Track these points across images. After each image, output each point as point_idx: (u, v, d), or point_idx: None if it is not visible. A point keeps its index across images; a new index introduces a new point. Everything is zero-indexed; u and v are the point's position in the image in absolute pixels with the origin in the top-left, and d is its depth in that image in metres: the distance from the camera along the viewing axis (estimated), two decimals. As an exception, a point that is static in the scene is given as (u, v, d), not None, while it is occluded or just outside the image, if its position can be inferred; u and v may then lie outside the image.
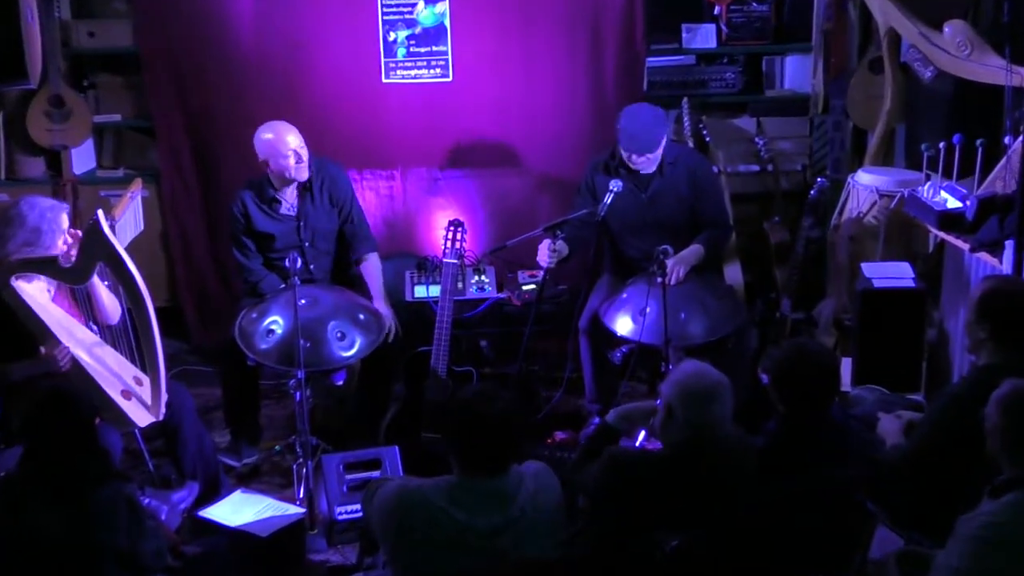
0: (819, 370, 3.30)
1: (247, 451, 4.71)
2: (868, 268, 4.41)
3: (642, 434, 3.78)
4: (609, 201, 4.56)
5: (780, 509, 3.18)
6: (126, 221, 4.82)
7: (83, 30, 5.70)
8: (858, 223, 4.86)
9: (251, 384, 4.69)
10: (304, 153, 4.65)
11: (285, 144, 4.61)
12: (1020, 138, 4.21)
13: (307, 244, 4.77)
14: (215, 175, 5.71)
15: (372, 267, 4.83)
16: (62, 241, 4.02)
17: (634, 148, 4.64)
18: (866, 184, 4.85)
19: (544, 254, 4.58)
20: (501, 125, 5.64)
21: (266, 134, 4.64)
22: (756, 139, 5.70)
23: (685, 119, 5.52)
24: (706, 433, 3.13)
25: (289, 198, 4.74)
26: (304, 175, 4.68)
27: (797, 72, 5.87)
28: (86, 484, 3.10)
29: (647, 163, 4.68)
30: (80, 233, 3.93)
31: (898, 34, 5.04)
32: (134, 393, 4.03)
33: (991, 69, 4.46)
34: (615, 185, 4.57)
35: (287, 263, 4.12)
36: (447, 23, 5.54)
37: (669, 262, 4.34)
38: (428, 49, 5.55)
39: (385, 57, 5.56)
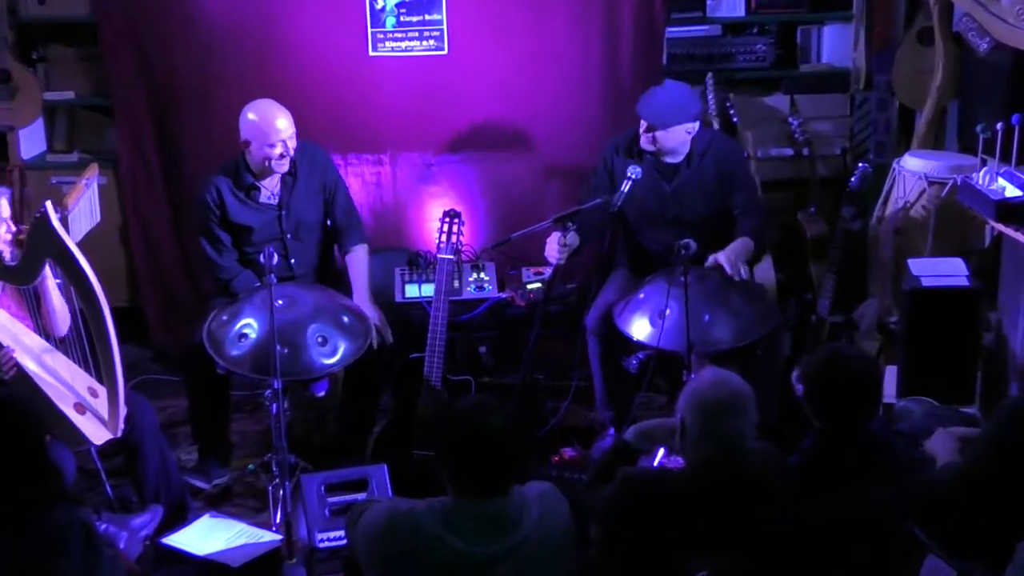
0: (858, 379, 3.29)
1: (217, 471, 4.71)
2: (916, 265, 4.40)
3: (661, 452, 3.77)
4: (626, 190, 4.55)
5: (816, 536, 3.17)
6: (80, 211, 4.81)
7: (33, -3, 5.70)
8: (905, 214, 4.85)
9: (221, 395, 4.68)
10: (292, 144, 4.65)
11: (275, 132, 4.60)
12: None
13: (289, 236, 4.77)
14: (181, 160, 5.71)
15: (358, 260, 4.83)
16: (5, 229, 4.01)
17: (645, 112, 4.66)
18: (914, 170, 4.84)
19: (553, 248, 4.57)
20: (503, 104, 5.64)
21: (253, 114, 4.63)
22: (790, 119, 5.69)
23: (710, 97, 5.52)
24: (728, 449, 3.12)
25: (270, 185, 4.74)
26: (285, 168, 4.69)
27: (836, 44, 5.86)
28: (36, 508, 3.09)
29: (649, 142, 4.67)
30: (23, 227, 3.92)
31: (950, 1, 5.02)
32: (89, 407, 4.02)
33: (1055, 40, 4.45)
34: (633, 172, 4.57)
35: (262, 259, 4.11)
36: (442, -11, 5.54)
37: (721, 258, 4.35)
38: (421, 18, 5.55)
39: (372, 27, 5.55)
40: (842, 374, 3.30)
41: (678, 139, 4.69)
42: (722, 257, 4.53)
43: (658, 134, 4.65)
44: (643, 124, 4.69)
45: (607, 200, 4.62)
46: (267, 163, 4.64)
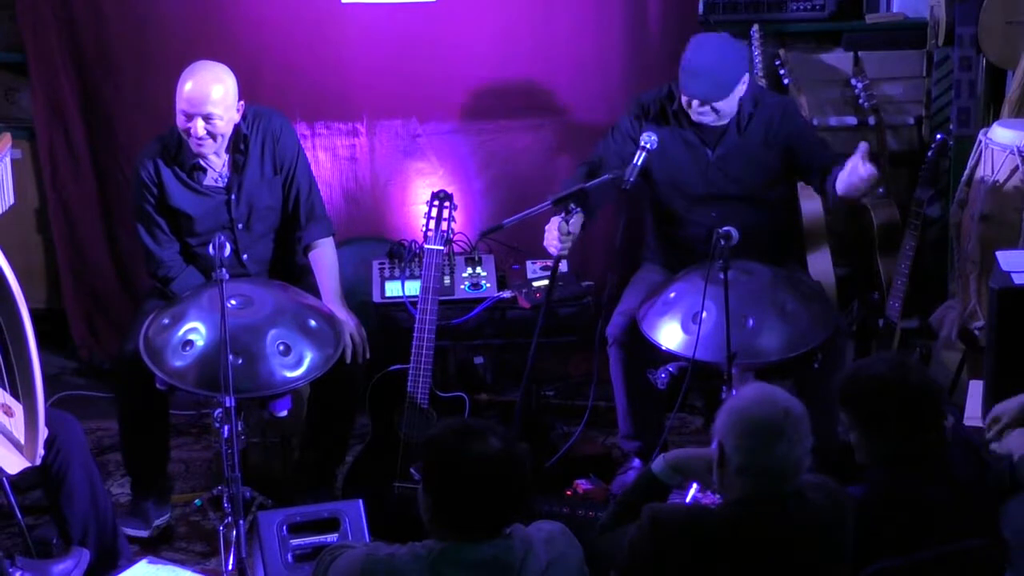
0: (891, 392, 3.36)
1: (156, 512, 4.73)
2: (1006, 258, 4.41)
3: (694, 487, 3.79)
4: (639, 163, 4.56)
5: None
6: (-11, 192, 4.84)
7: (-70, -69, 5.72)
8: (993, 196, 4.86)
9: (159, 416, 4.71)
10: (218, 125, 4.57)
11: (183, 100, 4.54)
12: None
13: (240, 226, 4.79)
14: (112, 130, 5.72)
15: (325, 257, 4.85)
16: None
17: (695, 90, 4.65)
18: (1004, 143, 4.86)
19: (553, 236, 4.58)
20: (504, 60, 5.66)
21: (186, 70, 4.60)
22: (853, 81, 5.71)
23: (755, 54, 5.53)
24: (776, 482, 3.14)
25: (216, 165, 4.75)
26: (205, 152, 4.67)
27: (910, -11, 5.89)
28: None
29: (708, 114, 4.69)
30: None
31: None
32: (2, 429, 4.04)
33: None
34: (648, 140, 4.57)
35: (211, 249, 4.11)
36: (429, -81, 5.56)
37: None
38: (403, -44, 5.57)
39: (344, -33, 5.58)
40: (873, 389, 3.37)
41: (737, 97, 4.72)
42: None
43: (718, 104, 4.67)
44: (692, 100, 4.70)
45: (618, 175, 4.62)
46: (183, 133, 4.63)
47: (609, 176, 4.63)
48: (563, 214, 4.55)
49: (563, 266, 4.74)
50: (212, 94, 4.56)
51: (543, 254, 4.98)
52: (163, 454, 4.81)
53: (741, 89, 4.71)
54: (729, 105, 4.71)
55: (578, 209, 4.55)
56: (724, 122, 4.77)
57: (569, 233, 4.55)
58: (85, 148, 5.76)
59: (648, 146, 4.58)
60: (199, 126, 4.57)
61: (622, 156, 4.74)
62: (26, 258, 5.67)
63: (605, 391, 4.89)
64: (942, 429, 3.41)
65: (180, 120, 4.59)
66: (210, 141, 4.62)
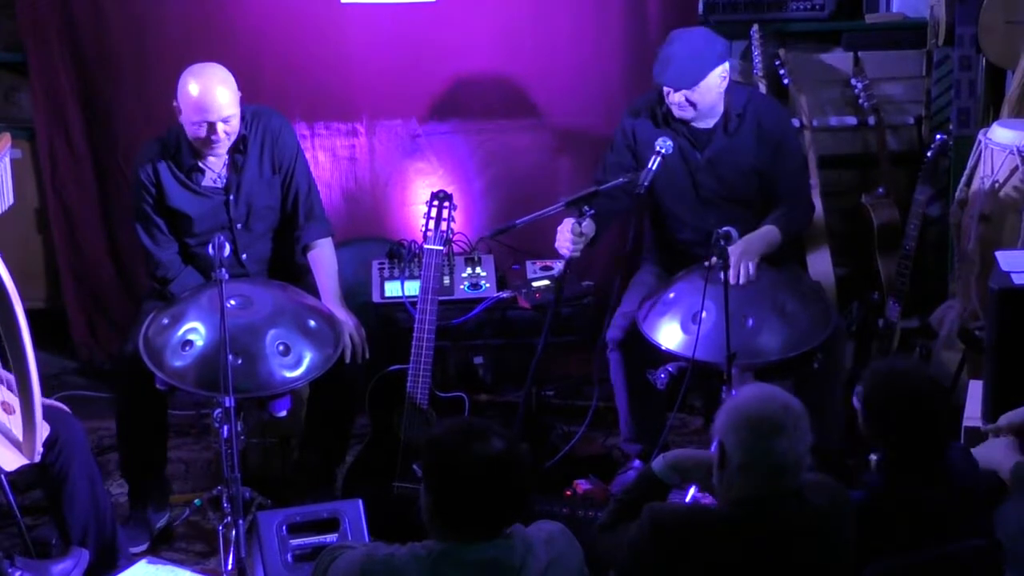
0: (919, 404, 3.35)
1: (156, 517, 4.73)
2: (1006, 258, 4.40)
3: (693, 487, 3.79)
4: (655, 167, 4.56)
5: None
6: (-11, 192, 4.84)
7: (-72, -70, 5.72)
8: (993, 197, 4.86)
9: (158, 417, 4.70)
10: (230, 128, 4.59)
11: (197, 110, 4.54)
12: None
13: (239, 226, 4.79)
14: (111, 131, 5.72)
15: (323, 257, 4.85)
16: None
17: (665, 77, 4.66)
18: (1004, 143, 4.85)
19: (566, 239, 4.58)
20: (503, 59, 5.66)
21: (186, 79, 4.58)
22: (853, 81, 5.71)
23: (755, 54, 5.53)
24: (777, 480, 3.14)
25: (215, 165, 4.74)
26: (218, 153, 4.68)
27: (910, -11, 5.89)
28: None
29: (686, 108, 4.68)
30: None
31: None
32: (1, 427, 4.04)
33: None
34: (663, 145, 4.58)
35: (211, 249, 4.12)
36: (430, -81, 5.56)
37: (733, 251, 4.34)
38: (403, -45, 5.58)
39: (344, -34, 5.58)
40: (902, 395, 3.36)
41: (715, 91, 4.70)
42: (733, 252, 4.41)
43: (692, 96, 4.67)
44: (668, 92, 4.70)
45: (632, 179, 4.63)
46: (195, 143, 4.64)
47: (624, 180, 4.64)
48: (576, 216, 4.56)
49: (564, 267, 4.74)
50: (222, 98, 4.56)
51: (542, 254, 5.00)
52: (161, 456, 4.81)
53: (716, 83, 4.69)
54: (705, 99, 4.70)
55: (592, 211, 4.56)
56: (709, 123, 4.77)
57: (582, 235, 4.56)
58: (85, 148, 5.76)
59: (663, 151, 4.57)
60: (220, 130, 4.57)
61: (623, 168, 4.75)
62: (26, 258, 5.68)
63: (605, 391, 4.89)
64: (948, 432, 3.42)
65: (195, 130, 4.57)
66: (226, 141, 4.63)
